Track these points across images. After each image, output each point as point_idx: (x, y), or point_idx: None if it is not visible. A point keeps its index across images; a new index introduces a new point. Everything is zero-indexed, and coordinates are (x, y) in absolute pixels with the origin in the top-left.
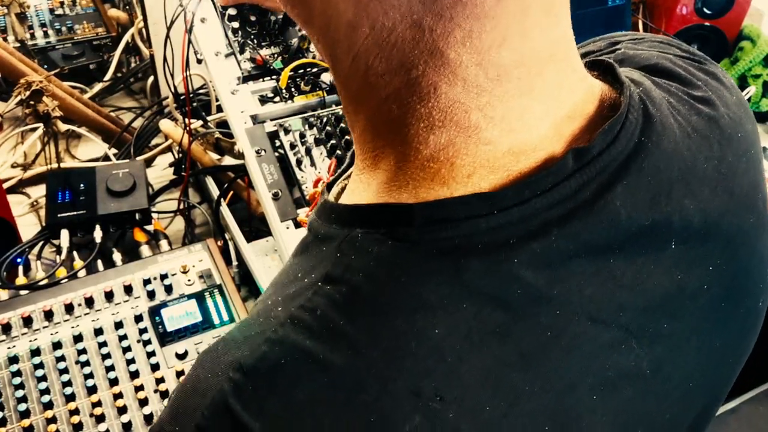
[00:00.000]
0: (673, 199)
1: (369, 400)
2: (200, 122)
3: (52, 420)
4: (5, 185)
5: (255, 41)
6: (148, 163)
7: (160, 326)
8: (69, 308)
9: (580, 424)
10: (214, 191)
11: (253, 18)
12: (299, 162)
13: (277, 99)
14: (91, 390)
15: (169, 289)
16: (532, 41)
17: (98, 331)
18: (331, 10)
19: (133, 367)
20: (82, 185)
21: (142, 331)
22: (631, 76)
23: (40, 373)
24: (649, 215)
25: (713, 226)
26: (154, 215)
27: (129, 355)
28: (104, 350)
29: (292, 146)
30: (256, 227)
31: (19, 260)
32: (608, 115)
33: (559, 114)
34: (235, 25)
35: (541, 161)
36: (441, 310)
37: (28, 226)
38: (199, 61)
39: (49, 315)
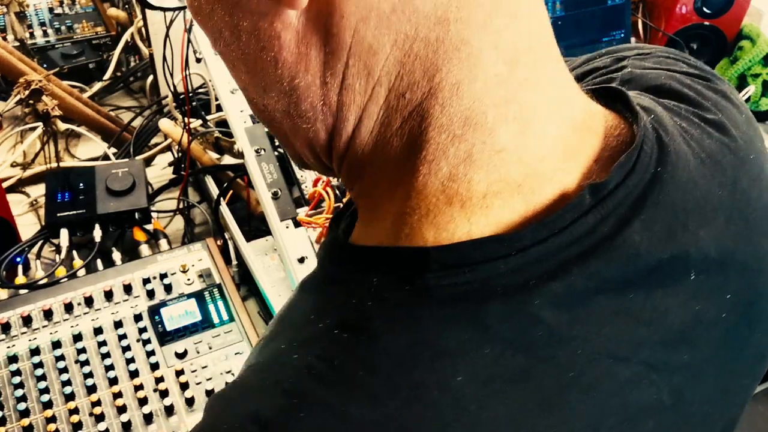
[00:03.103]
0: (689, 230)
1: None
2: (200, 121)
3: (52, 419)
4: (5, 184)
5: None
6: (148, 162)
7: (159, 325)
8: (68, 307)
9: None
10: (214, 190)
11: None
12: None
13: None
14: (91, 389)
15: (168, 289)
16: (533, 22)
17: (98, 331)
18: (350, 40)
19: (132, 367)
20: (81, 184)
21: (142, 330)
22: (641, 103)
23: (39, 372)
24: (667, 249)
25: (729, 254)
26: (154, 214)
27: (128, 355)
28: (104, 349)
29: None
30: (255, 226)
31: (18, 259)
32: (618, 143)
33: (563, 121)
34: None
35: (556, 190)
36: (461, 357)
37: (27, 226)
38: (198, 60)
39: (48, 314)
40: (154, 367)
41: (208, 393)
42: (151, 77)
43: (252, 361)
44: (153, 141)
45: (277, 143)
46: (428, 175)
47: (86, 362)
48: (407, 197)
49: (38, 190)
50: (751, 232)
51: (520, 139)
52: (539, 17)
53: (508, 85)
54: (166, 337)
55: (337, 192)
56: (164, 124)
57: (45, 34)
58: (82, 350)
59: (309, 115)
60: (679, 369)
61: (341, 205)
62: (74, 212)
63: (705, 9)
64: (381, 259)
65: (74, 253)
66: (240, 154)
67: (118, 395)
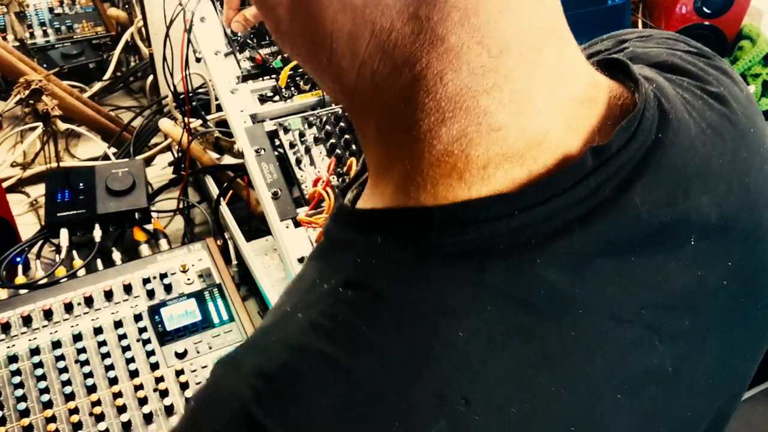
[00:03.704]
0: (690, 195)
1: (392, 406)
2: (200, 121)
3: (52, 419)
4: (5, 184)
5: (254, 40)
6: (148, 162)
7: (159, 325)
8: (68, 307)
9: (606, 424)
10: (214, 190)
11: None
12: (299, 161)
13: (276, 98)
14: (91, 389)
15: (168, 289)
16: (527, 11)
17: (98, 330)
18: (331, 28)
19: (132, 366)
20: (81, 184)
21: (142, 330)
22: (643, 73)
23: (39, 372)
24: (668, 212)
25: (730, 221)
26: (154, 214)
27: (128, 354)
28: (104, 349)
29: (292, 145)
30: (255, 226)
31: (18, 259)
32: (621, 110)
33: (567, 97)
34: None
35: (559, 156)
36: (464, 314)
37: (27, 226)
38: (198, 60)
39: (48, 314)
40: (154, 367)
41: None
42: (151, 77)
43: (257, 329)
44: (153, 141)
45: (277, 143)
46: (422, 151)
47: (86, 362)
48: (404, 169)
49: (38, 190)
50: (752, 202)
51: (519, 118)
52: (536, 5)
53: (497, 74)
54: (166, 337)
55: (337, 192)
56: (164, 124)
57: (45, 34)
58: (82, 350)
59: (321, 70)
60: (682, 335)
61: None
62: (74, 212)
63: (705, 9)
64: (385, 220)
65: (74, 253)
66: (240, 154)
67: (118, 395)
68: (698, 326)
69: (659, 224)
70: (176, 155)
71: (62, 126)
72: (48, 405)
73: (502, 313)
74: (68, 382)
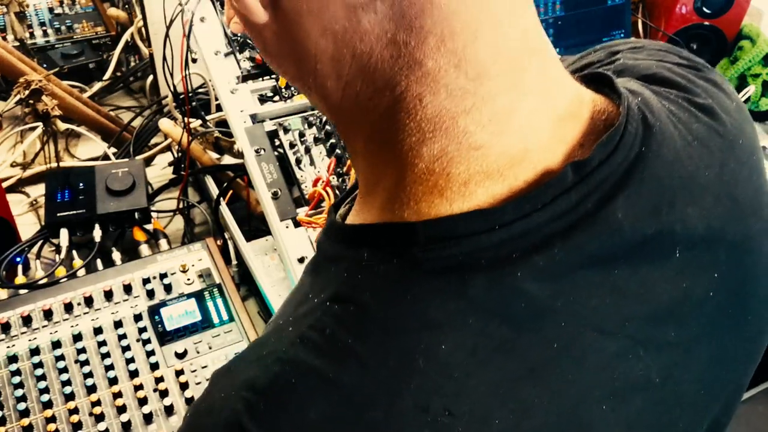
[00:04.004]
0: (675, 207)
1: (378, 418)
2: (199, 121)
3: (52, 419)
4: (4, 184)
5: None
6: (148, 162)
7: (159, 325)
8: (68, 307)
9: None
10: (214, 190)
11: None
12: (299, 161)
13: (276, 98)
14: (91, 389)
15: (168, 289)
16: (504, 32)
17: (97, 331)
18: (315, 51)
19: (132, 367)
20: (81, 184)
21: (142, 330)
22: (629, 87)
23: (39, 372)
24: (652, 224)
25: (717, 233)
26: (154, 214)
27: (128, 355)
28: (103, 349)
29: (292, 145)
30: (255, 226)
31: (18, 259)
32: (605, 125)
33: (548, 114)
34: None
35: (539, 171)
36: (447, 327)
37: (27, 225)
38: (194, 60)
39: (48, 314)
40: (154, 367)
41: None
42: (151, 77)
43: (254, 341)
44: (153, 141)
45: (276, 143)
46: (404, 170)
47: (86, 362)
48: (389, 188)
49: (38, 190)
50: (740, 213)
51: (500, 137)
52: (513, 25)
53: (476, 96)
54: (166, 337)
55: (337, 192)
56: (164, 124)
57: (45, 34)
58: (82, 350)
59: (308, 88)
60: (668, 346)
61: None
62: (74, 212)
63: (705, 9)
64: (371, 235)
65: (74, 253)
66: (240, 154)
67: (117, 395)
68: (685, 337)
69: (643, 236)
70: (176, 155)
71: (62, 126)
72: (48, 405)
73: (484, 326)
74: (68, 382)
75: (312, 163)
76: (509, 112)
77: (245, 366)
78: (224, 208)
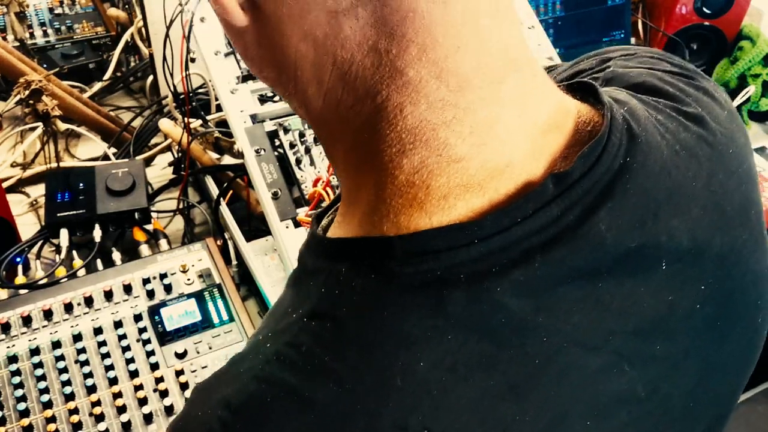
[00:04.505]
0: (660, 219)
1: None
2: (200, 121)
3: (52, 419)
4: (5, 184)
5: None
6: (148, 162)
7: (159, 325)
8: (68, 307)
9: None
10: (214, 190)
11: None
12: (299, 161)
13: (276, 98)
14: (91, 389)
15: (168, 289)
16: (487, 45)
17: (97, 331)
18: (295, 57)
19: (132, 367)
20: (81, 184)
21: (142, 330)
22: (616, 96)
23: (39, 372)
24: (636, 237)
25: (704, 244)
26: (154, 214)
27: (128, 355)
28: (103, 349)
29: (292, 145)
30: (255, 226)
31: (18, 259)
32: (590, 136)
33: (531, 126)
34: None
35: (520, 184)
36: (424, 344)
37: (27, 226)
38: (193, 60)
39: (48, 314)
40: (154, 367)
41: None
42: (151, 77)
43: (236, 354)
44: (153, 141)
45: (276, 143)
46: (384, 181)
47: (86, 362)
48: (369, 200)
49: (38, 190)
50: (727, 224)
51: (480, 149)
52: (496, 38)
53: (456, 108)
54: (166, 337)
55: (338, 192)
56: (164, 124)
57: (45, 34)
58: (82, 350)
59: (289, 94)
60: (654, 360)
61: None
62: (74, 212)
63: (705, 9)
64: (349, 249)
65: (74, 253)
66: (240, 154)
67: (118, 395)
68: (673, 350)
69: (626, 249)
70: (176, 155)
71: (62, 126)
72: (48, 405)
73: (463, 342)
74: (68, 383)
75: (312, 163)
76: (491, 124)
77: (222, 383)
78: (224, 208)
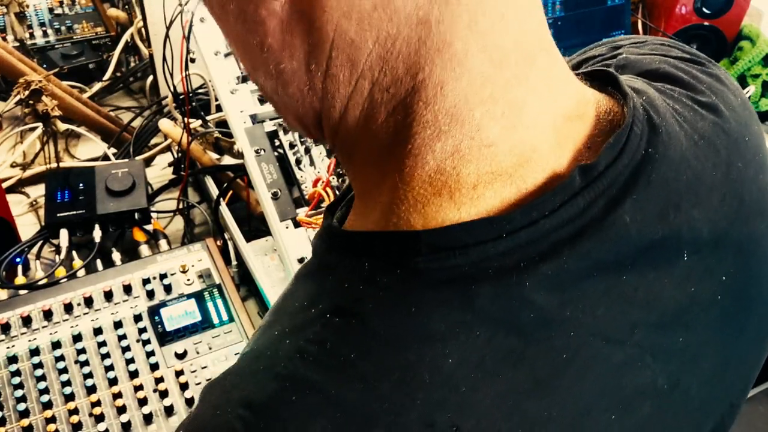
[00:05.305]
0: (681, 210)
1: None
2: (199, 122)
3: (52, 419)
4: (4, 185)
5: None
6: (148, 162)
7: (159, 326)
8: (68, 308)
9: None
10: (214, 191)
11: None
12: (298, 161)
13: None
14: (91, 389)
15: (168, 289)
16: (524, 18)
17: (97, 331)
18: (333, 35)
19: (132, 367)
20: (81, 185)
21: (142, 330)
22: (633, 85)
23: (39, 372)
24: (659, 229)
25: (723, 235)
26: (154, 215)
27: (128, 355)
28: (103, 350)
29: (292, 146)
30: (255, 227)
31: (18, 260)
32: (611, 126)
33: (556, 112)
34: None
35: (547, 174)
36: (452, 340)
37: (27, 226)
38: (192, 60)
39: (48, 315)
40: (154, 367)
41: None
42: (150, 77)
43: (246, 349)
44: (153, 141)
45: (276, 143)
46: (414, 167)
47: (86, 362)
48: (395, 188)
49: (38, 190)
50: (746, 213)
51: (510, 133)
52: (529, 15)
53: (495, 84)
54: (165, 337)
55: (337, 192)
56: (164, 124)
57: (45, 34)
58: (82, 350)
59: (297, 97)
60: (675, 353)
61: None
62: (74, 212)
63: (705, 9)
64: (372, 243)
65: (74, 253)
66: (240, 155)
67: (117, 395)
68: (692, 342)
69: (650, 241)
70: (176, 155)
71: (62, 126)
72: (48, 405)
73: (491, 338)
74: (68, 383)
75: (312, 163)
76: (520, 105)
77: (240, 381)
78: (224, 209)
